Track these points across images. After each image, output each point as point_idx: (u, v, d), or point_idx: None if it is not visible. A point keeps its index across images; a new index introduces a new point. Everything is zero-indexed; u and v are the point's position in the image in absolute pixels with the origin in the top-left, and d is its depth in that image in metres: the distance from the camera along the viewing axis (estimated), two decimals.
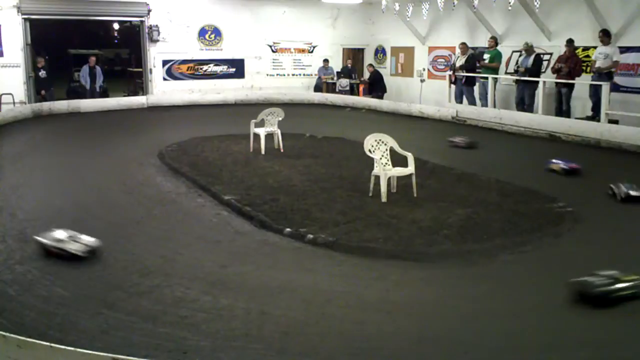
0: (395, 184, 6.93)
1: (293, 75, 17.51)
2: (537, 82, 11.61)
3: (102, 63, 17.01)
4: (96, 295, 4.13)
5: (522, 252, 5.22)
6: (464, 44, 13.40)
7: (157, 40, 15.41)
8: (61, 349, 2.29)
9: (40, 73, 14.02)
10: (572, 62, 11.01)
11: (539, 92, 11.37)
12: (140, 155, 9.27)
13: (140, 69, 16.28)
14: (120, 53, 24.24)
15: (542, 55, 12.23)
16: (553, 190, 7.04)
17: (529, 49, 11.87)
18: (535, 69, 11.83)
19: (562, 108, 11.23)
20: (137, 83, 16.91)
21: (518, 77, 12.00)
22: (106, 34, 24.60)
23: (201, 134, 10.92)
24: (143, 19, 15.31)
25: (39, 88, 14.08)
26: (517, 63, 12.37)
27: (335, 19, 17.56)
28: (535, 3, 11.52)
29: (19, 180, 7.62)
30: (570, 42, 11.03)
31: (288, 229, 5.64)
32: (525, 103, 11.92)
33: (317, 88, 17.19)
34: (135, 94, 16.29)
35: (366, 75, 16.90)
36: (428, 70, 15.75)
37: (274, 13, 16.87)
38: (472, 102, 13.16)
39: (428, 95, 15.20)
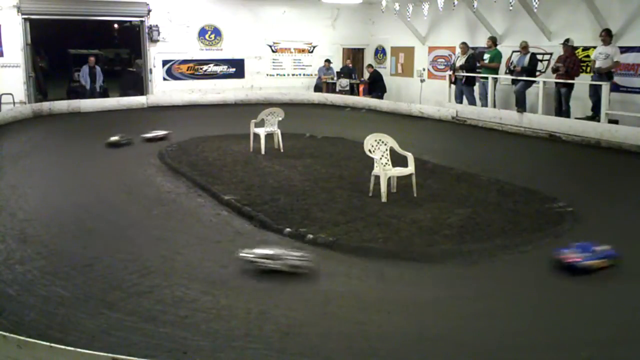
0: (395, 184, 6.93)
1: (293, 75, 17.50)
2: (533, 81, 11.63)
3: (102, 63, 16.98)
4: (96, 295, 4.14)
5: (522, 252, 5.22)
6: (464, 44, 13.38)
7: (157, 40, 15.41)
8: (61, 349, 2.29)
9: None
10: (570, 61, 11.00)
11: (539, 92, 11.36)
12: (140, 155, 9.27)
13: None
14: (120, 53, 24.21)
15: (542, 55, 12.22)
16: (553, 190, 7.03)
17: (524, 47, 11.86)
18: (531, 69, 11.83)
19: (561, 108, 11.22)
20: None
21: (515, 77, 11.99)
22: (106, 34, 24.55)
23: (201, 134, 10.92)
24: (143, 19, 15.30)
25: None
26: (510, 62, 12.34)
27: (335, 19, 17.55)
28: (534, 3, 11.51)
29: (19, 180, 7.62)
30: (567, 41, 11.02)
31: (288, 229, 5.64)
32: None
33: (317, 88, 17.16)
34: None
35: (366, 75, 16.89)
36: (428, 70, 15.74)
37: (274, 13, 16.87)
38: (472, 102, 13.15)
39: (428, 95, 15.18)
